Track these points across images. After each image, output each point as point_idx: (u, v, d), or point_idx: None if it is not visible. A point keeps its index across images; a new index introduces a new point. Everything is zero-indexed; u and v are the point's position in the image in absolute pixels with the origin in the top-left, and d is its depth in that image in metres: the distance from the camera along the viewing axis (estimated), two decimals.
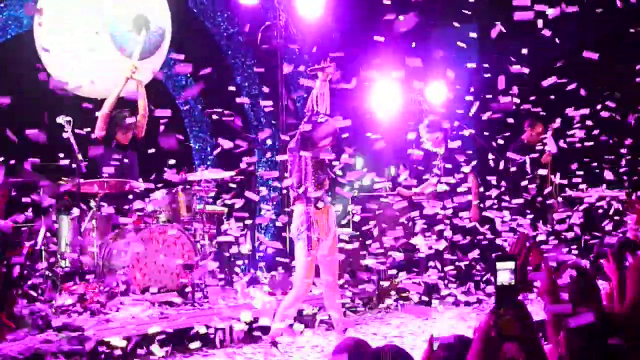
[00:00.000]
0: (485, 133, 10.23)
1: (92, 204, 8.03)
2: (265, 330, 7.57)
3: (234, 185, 9.06)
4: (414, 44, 10.88)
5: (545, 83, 7.60)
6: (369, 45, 9.91)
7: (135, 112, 8.75)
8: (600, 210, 9.56)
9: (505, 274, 2.96)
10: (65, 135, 7.99)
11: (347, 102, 10.91)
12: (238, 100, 9.58)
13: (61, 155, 8.05)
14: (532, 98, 9.08)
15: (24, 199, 7.60)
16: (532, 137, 10.33)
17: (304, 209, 6.89)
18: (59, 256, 8.01)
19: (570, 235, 8.74)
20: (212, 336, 7.44)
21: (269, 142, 11.24)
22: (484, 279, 9.07)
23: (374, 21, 9.66)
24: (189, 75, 10.86)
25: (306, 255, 6.85)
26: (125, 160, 8.66)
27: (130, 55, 9.01)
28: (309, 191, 6.86)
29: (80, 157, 7.82)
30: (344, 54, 10.42)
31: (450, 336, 3.38)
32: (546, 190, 9.98)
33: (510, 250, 3.14)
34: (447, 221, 9.30)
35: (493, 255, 3.09)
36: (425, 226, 9.39)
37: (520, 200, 9.28)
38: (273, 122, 10.91)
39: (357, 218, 9.74)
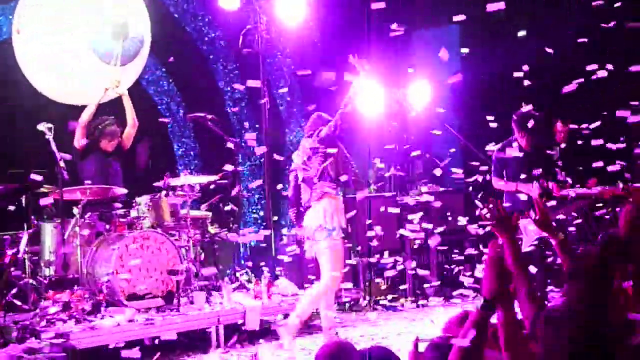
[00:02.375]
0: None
1: (75, 211, 7.97)
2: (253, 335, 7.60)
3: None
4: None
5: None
6: (351, 47, 9.92)
7: (122, 121, 8.74)
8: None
9: None
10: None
11: (330, 104, 10.92)
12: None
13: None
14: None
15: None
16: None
17: (333, 201, 7.19)
18: (42, 264, 7.96)
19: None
20: (199, 341, 7.42)
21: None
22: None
23: (356, 23, 9.70)
24: (170, 79, 10.83)
25: (342, 244, 7.18)
26: (109, 167, 8.63)
27: (109, 62, 9.01)
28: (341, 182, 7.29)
29: (62, 164, 7.76)
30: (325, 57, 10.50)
31: (439, 336, 3.38)
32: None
33: (488, 256, 3.14)
34: None
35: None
36: None
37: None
38: (256, 125, 10.89)
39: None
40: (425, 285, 9.98)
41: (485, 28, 11.71)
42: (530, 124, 8.42)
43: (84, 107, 8.90)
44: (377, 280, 9.77)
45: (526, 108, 8.41)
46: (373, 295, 9.62)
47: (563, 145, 9.95)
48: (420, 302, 9.70)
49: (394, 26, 8.50)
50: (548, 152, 9.34)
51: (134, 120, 8.82)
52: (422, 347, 3.41)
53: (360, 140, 10.52)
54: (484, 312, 3.06)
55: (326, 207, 7.21)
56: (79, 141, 8.50)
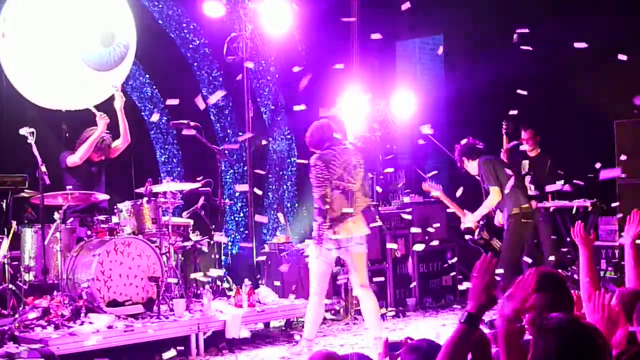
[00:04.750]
0: None
1: (57, 216, 7.93)
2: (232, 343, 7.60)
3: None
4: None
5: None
6: (337, 56, 9.94)
7: (114, 134, 8.74)
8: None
9: None
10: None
11: (313, 114, 10.93)
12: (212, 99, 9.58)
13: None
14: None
15: None
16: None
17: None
18: (22, 269, 7.91)
19: None
20: (179, 348, 7.39)
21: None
22: None
23: (341, 33, 9.72)
24: (154, 86, 10.80)
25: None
26: (93, 169, 8.61)
27: (98, 69, 9.02)
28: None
29: (43, 169, 7.72)
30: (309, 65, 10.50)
31: (419, 339, 3.40)
32: None
33: (474, 271, 3.17)
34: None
35: None
36: None
37: None
38: (239, 133, 10.88)
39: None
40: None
41: (469, 37, 11.79)
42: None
43: (68, 111, 8.90)
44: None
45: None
46: (354, 306, 9.60)
47: (533, 154, 10.00)
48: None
49: (375, 36, 8.58)
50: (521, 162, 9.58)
51: (127, 137, 8.81)
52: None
53: None
54: (467, 326, 3.07)
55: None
56: (82, 158, 8.46)
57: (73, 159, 8.49)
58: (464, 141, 9.30)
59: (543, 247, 9.78)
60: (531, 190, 9.68)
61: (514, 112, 9.09)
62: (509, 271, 8.49)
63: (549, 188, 9.44)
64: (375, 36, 8.76)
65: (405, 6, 8.27)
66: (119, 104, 8.73)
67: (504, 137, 9.93)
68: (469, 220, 9.37)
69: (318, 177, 7.21)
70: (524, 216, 9.02)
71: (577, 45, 7.88)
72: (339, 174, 7.27)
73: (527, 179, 9.75)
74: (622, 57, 7.72)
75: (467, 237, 9.60)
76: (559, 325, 2.98)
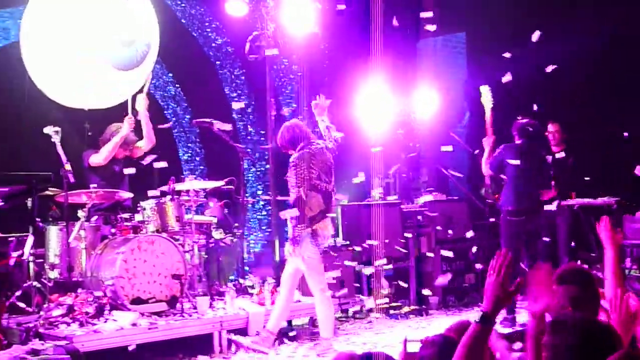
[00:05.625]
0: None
1: (81, 214, 7.98)
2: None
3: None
4: None
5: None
6: (359, 55, 9.94)
7: (138, 134, 8.77)
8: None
9: None
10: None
11: (337, 112, 10.93)
12: (235, 105, 9.59)
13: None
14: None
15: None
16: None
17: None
18: (47, 267, 7.96)
19: None
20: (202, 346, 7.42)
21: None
22: None
23: (364, 31, 9.71)
24: (177, 84, 10.85)
25: None
26: (116, 168, 8.64)
27: (122, 69, 9.04)
28: None
29: (68, 167, 7.76)
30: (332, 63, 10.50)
31: (435, 335, 3.40)
32: None
33: (490, 268, 3.16)
34: None
35: None
36: None
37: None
38: (262, 131, 10.90)
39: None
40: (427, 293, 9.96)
41: (491, 35, 11.75)
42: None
43: (90, 110, 8.94)
44: (381, 288, 9.73)
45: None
46: (376, 303, 9.59)
47: (558, 150, 9.80)
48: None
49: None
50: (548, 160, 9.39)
51: (152, 138, 8.85)
52: (412, 348, 3.43)
53: (366, 148, 10.51)
54: (482, 326, 3.07)
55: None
56: (106, 158, 8.50)
57: (96, 159, 8.52)
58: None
59: (559, 245, 9.72)
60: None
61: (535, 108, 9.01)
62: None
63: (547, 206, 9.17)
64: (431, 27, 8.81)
65: (431, 28, 8.31)
66: (142, 106, 8.76)
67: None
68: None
69: (298, 176, 7.20)
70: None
71: None
72: (318, 173, 7.28)
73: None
74: None
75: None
76: (570, 323, 2.97)
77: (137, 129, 8.77)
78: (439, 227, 9.58)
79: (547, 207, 8.88)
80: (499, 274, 3.11)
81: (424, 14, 8.36)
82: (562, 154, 9.70)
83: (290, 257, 7.39)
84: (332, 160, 7.51)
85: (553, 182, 9.31)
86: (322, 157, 7.40)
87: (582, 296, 3.79)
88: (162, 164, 8.46)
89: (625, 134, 9.22)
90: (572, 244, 9.70)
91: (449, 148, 9.80)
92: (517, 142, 8.81)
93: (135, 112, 8.72)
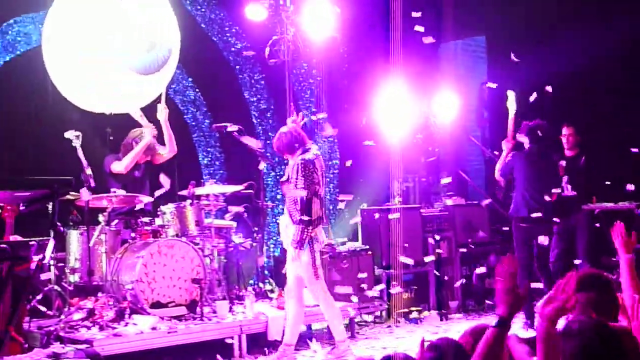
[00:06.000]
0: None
1: (101, 218, 8.02)
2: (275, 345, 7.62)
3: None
4: None
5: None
6: (378, 58, 9.93)
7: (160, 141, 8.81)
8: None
9: None
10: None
11: (357, 116, 10.93)
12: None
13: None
14: None
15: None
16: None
17: None
18: (67, 271, 8.01)
19: None
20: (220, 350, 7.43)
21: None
22: None
23: (383, 35, 9.71)
24: (197, 89, 10.88)
25: None
26: (137, 174, 8.67)
27: (144, 73, 9.07)
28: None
29: (89, 171, 7.81)
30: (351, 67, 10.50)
31: (438, 339, 3.41)
32: None
33: (497, 274, 3.18)
34: None
35: None
36: None
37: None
38: None
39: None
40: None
41: (512, 38, 11.71)
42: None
43: (112, 115, 8.98)
44: (400, 292, 9.71)
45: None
46: (396, 308, 9.57)
47: (571, 155, 9.70)
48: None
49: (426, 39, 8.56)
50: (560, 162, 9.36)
51: (173, 147, 8.87)
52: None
53: (384, 153, 10.51)
54: (499, 330, 3.08)
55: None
56: (127, 167, 8.53)
57: (117, 168, 8.54)
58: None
59: (578, 250, 9.67)
60: (568, 191, 9.53)
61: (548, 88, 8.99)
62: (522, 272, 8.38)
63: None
64: (428, 40, 8.78)
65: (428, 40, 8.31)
66: (162, 115, 8.77)
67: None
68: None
69: (307, 177, 7.17)
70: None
71: None
72: (318, 179, 7.27)
73: (564, 179, 9.55)
74: None
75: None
76: (582, 329, 2.97)
77: (160, 137, 8.81)
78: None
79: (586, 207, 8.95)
80: (507, 279, 3.12)
81: (415, 14, 8.31)
82: (572, 153, 9.65)
83: (292, 261, 7.35)
84: (324, 167, 7.49)
85: (570, 186, 9.33)
86: (320, 164, 7.39)
87: (601, 301, 3.77)
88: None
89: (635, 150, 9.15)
90: (595, 249, 9.62)
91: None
92: (527, 147, 8.88)
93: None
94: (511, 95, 9.11)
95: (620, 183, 9.09)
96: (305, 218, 7.11)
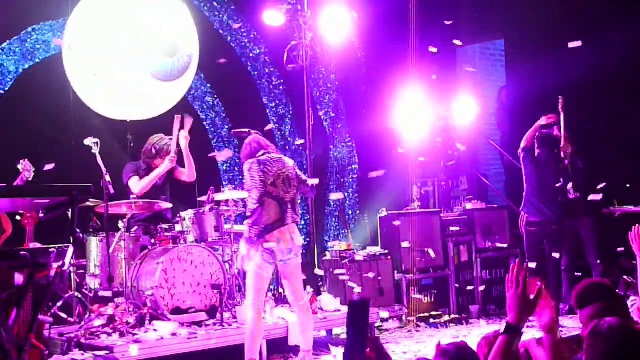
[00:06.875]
0: None
1: (121, 225, 8.04)
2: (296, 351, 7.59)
3: None
4: None
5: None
6: (396, 63, 9.92)
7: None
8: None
9: None
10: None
11: (375, 121, 10.93)
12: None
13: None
14: None
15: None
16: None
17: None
18: (87, 277, 8.04)
19: None
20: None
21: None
22: None
23: (401, 39, 9.70)
24: (215, 95, 10.91)
25: None
26: (157, 182, 8.66)
27: (165, 80, 9.11)
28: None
29: (108, 178, 7.84)
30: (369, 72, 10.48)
31: (449, 344, 3.41)
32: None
33: (508, 279, 3.19)
34: None
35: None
36: None
37: None
38: (300, 141, 10.90)
39: None
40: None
41: (530, 41, 11.67)
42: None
43: (132, 122, 9.01)
44: (420, 296, 9.68)
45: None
46: (416, 312, 9.54)
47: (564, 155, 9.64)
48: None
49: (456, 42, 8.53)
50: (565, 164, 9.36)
51: (193, 175, 8.79)
52: None
53: (403, 156, 10.50)
54: (508, 336, 3.08)
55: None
56: (142, 190, 8.52)
57: (134, 189, 8.48)
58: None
59: (586, 253, 9.63)
60: (571, 194, 9.50)
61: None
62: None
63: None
64: (457, 43, 8.80)
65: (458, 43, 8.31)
66: (183, 143, 8.70)
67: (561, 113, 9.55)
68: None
69: (253, 178, 7.06)
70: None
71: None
72: (273, 180, 7.13)
73: (570, 184, 9.52)
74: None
75: None
76: (610, 330, 2.95)
77: (180, 160, 8.75)
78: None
79: (591, 197, 8.91)
80: (518, 286, 3.13)
81: (447, 22, 8.34)
82: (568, 150, 9.58)
83: (247, 260, 7.03)
84: (293, 171, 7.35)
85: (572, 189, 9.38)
86: (280, 166, 7.20)
87: (610, 307, 3.74)
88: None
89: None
90: (609, 250, 9.57)
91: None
92: (537, 151, 8.99)
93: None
94: (561, 101, 9.21)
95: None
96: (249, 222, 6.99)
